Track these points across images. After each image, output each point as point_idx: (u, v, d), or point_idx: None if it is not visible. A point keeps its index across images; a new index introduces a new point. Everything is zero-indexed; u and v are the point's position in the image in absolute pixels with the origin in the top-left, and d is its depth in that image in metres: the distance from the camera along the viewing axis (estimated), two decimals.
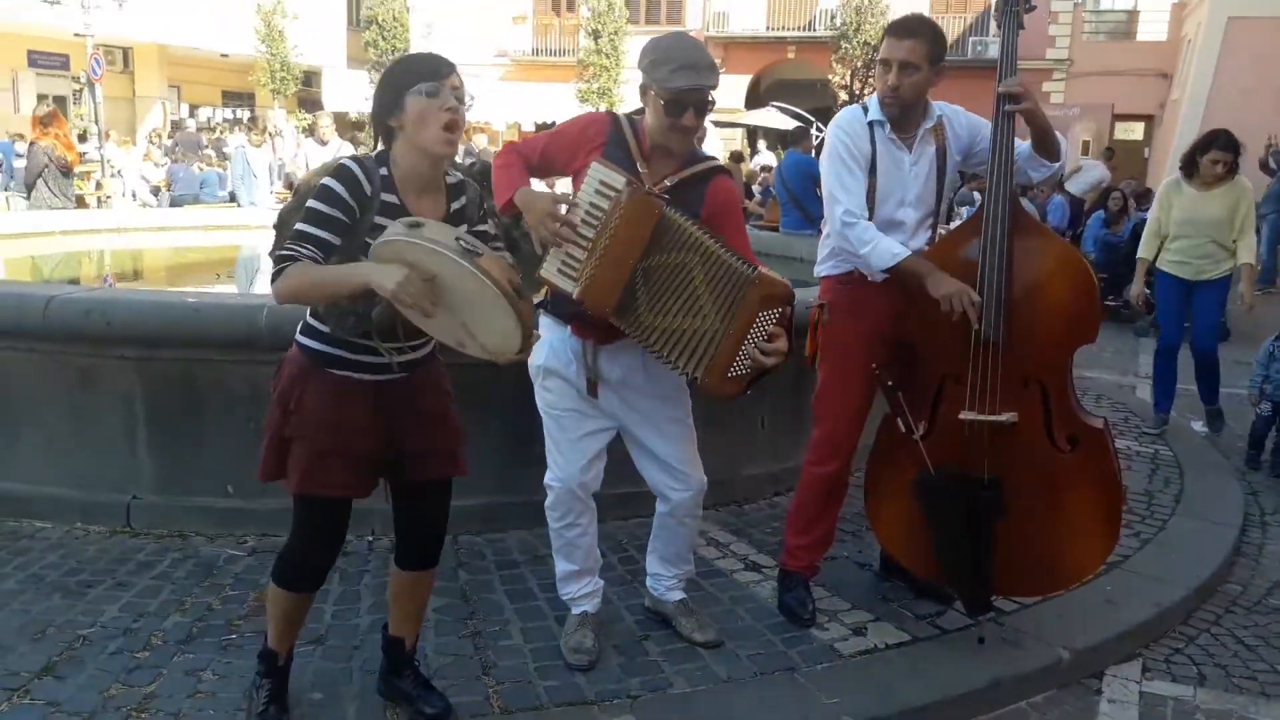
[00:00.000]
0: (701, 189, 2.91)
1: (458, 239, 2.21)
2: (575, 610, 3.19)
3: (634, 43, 26.12)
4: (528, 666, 3.05)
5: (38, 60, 26.09)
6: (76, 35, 19.59)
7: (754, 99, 27.59)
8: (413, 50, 26.92)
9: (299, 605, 2.67)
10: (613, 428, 3.07)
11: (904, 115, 3.14)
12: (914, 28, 3.10)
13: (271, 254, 2.33)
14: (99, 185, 16.44)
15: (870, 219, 3.14)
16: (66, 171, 8.28)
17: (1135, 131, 25.83)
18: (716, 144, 23.04)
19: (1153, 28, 26.45)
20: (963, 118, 3.27)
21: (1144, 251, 6.11)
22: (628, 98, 24.46)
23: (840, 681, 3.04)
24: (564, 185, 3.64)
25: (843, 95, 25.19)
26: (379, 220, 2.33)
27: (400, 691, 2.78)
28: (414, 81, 2.31)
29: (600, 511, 3.24)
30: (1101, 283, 10.79)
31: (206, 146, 19.70)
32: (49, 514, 3.90)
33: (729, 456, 4.49)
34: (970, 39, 25.41)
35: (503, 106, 25.03)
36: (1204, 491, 4.95)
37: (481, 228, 2.55)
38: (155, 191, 16.33)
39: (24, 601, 3.30)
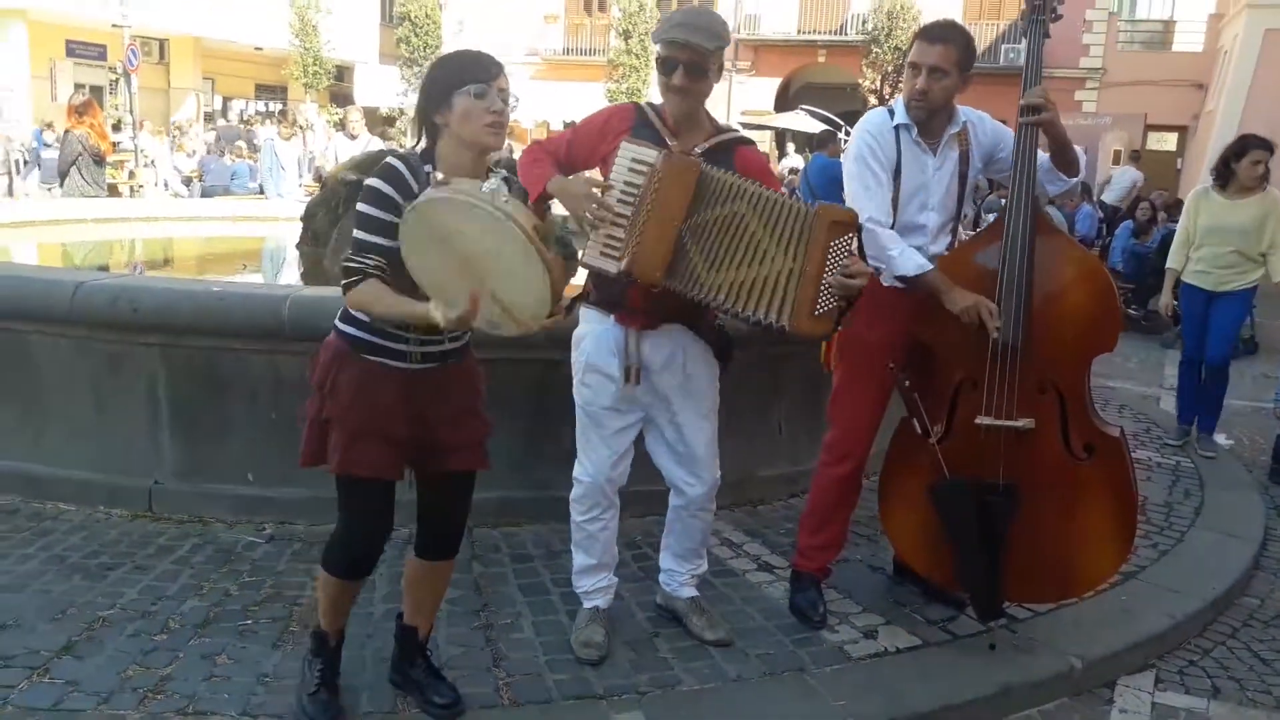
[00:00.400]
0: (728, 159, 2.92)
1: (483, 188, 2.25)
2: (587, 604, 3.21)
3: None
4: (538, 660, 3.07)
5: (75, 50, 26.46)
6: (114, 26, 19.86)
7: (783, 102, 27.57)
8: (445, 48, 27.17)
9: (345, 591, 2.70)
10: (641, 421, 3.09)
11: (930, 119, 3.15)
12: (945, 33, 3.11)
13: (344, 262, 2.39)
14: (132, 174, 16.66)
15: (894, 221, 3.15)
16: (100, 160, 8.38)
17: (1168, 142, 25.58)
18: None
19: (1189, 38, 26.16)
20: (987, 124, 3.27)
21: (1173, 262, 6.03)
22: (656, 99, 24.50)
23: (849, 684, 3.04)
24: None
25: (872, 100, 25.09)
26: None
27: (411, 680, 2.81)
28: (463, 81, 2.36)
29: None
30: (1128, 293, 10.78)
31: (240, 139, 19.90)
32: (73, 496, 3.97)
33: (746, 457, 4.49)
34: (1003, 46, 25.24)
35: (532, 105, 25.10)
36: (1225, 504, 4.91)
37: None
38: (187, 182, 16.53)
39: (45, 582, 3.36)
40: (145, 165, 17.63)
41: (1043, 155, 3.17)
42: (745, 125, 25.01)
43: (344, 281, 2.39)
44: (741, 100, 27.26)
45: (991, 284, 3.03)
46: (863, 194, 3.13)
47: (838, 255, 2.68)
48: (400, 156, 2.44)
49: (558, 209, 2.91)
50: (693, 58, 2.82)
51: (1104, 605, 3.67)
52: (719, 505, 3.99)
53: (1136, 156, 19.43)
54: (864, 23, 25.84)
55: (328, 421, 2.51)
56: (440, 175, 2.33)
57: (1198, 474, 5.39)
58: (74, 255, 7.77)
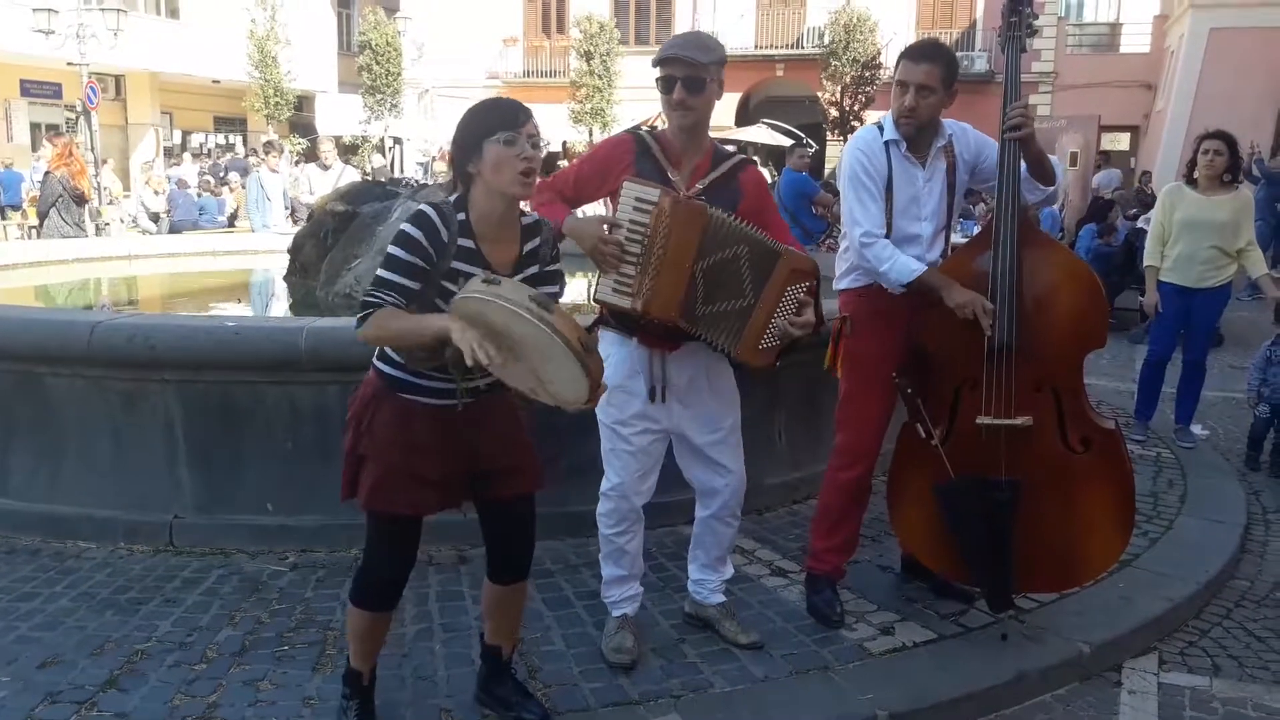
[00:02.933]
0: (735, 184, 3.06)
1: (531, 298, 2.32)
2: (615, 613, 3.31)
3: (625, 63, 26.37)
4: (572, 670, 3.17)
5: (30, 89, 26.19)
6: (69, 64, 19.69)
7: (744, 116, 27.83)
8: (405, 74, 27.14)
9: (376, 624, 2.75)
10: (667, 436, 3.20)
11: (918, 135, 3.30)
12: (931, 53, 3.27)
13: (362, 298, 2.44)
14: (98, 212, 16.56)
15: (888, 234, 3.29)
16: (80, 201, 8.39)
17: (1121, 142, 26.17)
18: None
19: (1136, 40, 26.83)
20: (970, 135, 3.43)
21: (1151, 259, 6.07)
22: (621, 117, 24.66)
23: (873, 678, 3.16)
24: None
25: (832, 111, 25.44)
26: (456, 265, 2.45)
27: (499, 698, 2.88)
28: (493, 130, 2.43)
29: None
30: None
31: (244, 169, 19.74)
32: (93, 535, 4.01)
33: (749, 467, 4.59)
34: (957, 53, 25.70)
35: None
36: (1207, 492, 5.10)
37: (553, 267, 2.68)
38: (155, 218, 16.45)
39: (79, 619, 3.41)
40: (109, 203, 17.54)
41: (1021, 166, 3.34)
42: None
43: (359, 315, 2.42)
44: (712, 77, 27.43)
45: (984, 288, 3.18)
46: (859, 209, 3.28)
47: (791, 298, 2.91)
48: (433, 205, 2.50)
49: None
50: (689, 72, 2.96)
51: (1104, 593, 3.82)
52: None
53: (1105, 158, 19.98)
54: (821, 35, 26.22)
55: (363, 457, 2.57)
56: (483, 274, 2.37)
57: (1179, 464, 5.58)
58: (56, 296, 7.77)
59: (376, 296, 2.40)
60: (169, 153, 27.23)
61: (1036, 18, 3.38)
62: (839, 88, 25.01)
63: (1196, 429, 6.32)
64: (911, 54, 3.30)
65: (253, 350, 3.82)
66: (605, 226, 2.89)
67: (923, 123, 3.27)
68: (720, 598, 3.41)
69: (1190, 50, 21.32)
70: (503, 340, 2.30)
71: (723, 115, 27.82)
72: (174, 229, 15.44)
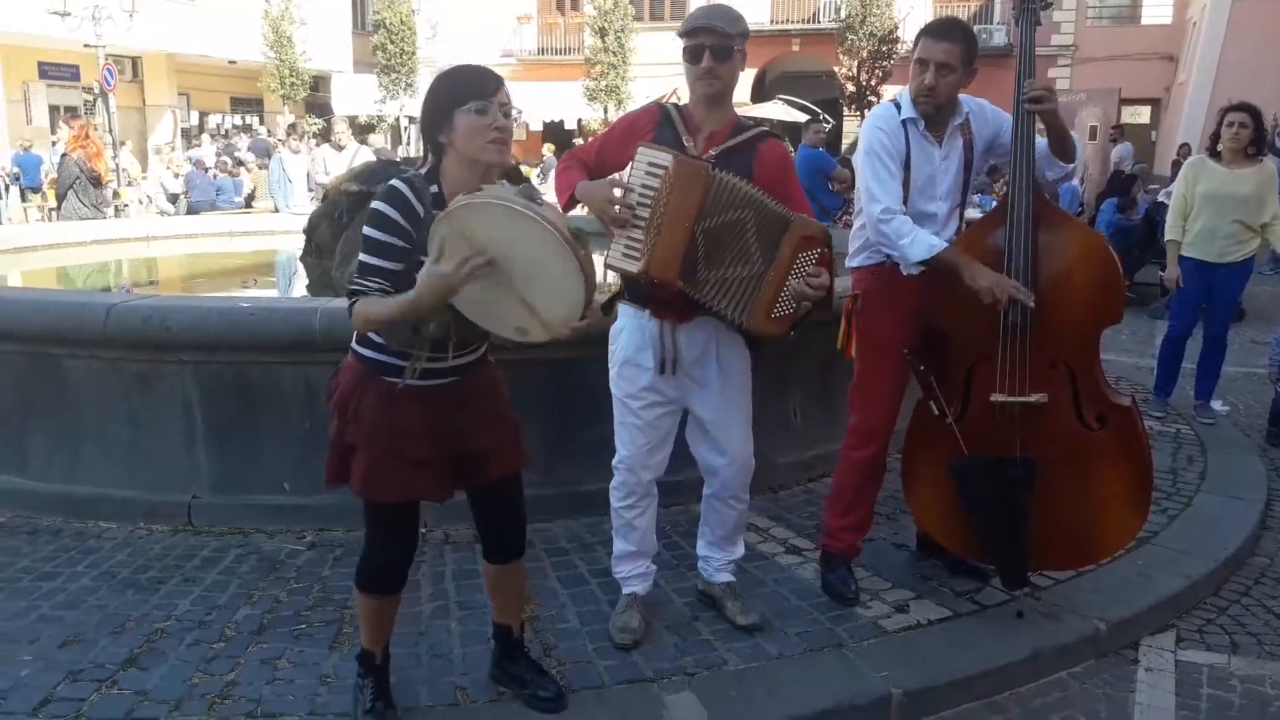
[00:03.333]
0: (749, 155, 3.03)
1: (518, 192, 2.27)
2: (625, 590, 3.33)
3: (640, 40, 26.24)
4: (586, 647, 3.18)
5: (48, 72, 26.29)
6: (87, 46, 19.74)
7: (759, 92, 27.67)
8: (420, 53, 27.11)
9: (384, 607, 2.76)
10: (680, 409, 3.20)
11: (936, 113, 3.26)
12: (950, 30, 3.24)
13: (348, 285, 2.42)
14: (116, 194, 16.65)
15: (904, 211, 3.26)
16: (97, 183, 8.43)
17: (1142, 115, 25.86)
18: None
19: (1157, 11, 26.45)
20: (987, 112, 3.39)
21: (1172, 233, 5.99)
22: (635, 94, 24.54)
23: (887, 656, 3.16)
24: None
25: (849, 86, 25.24)
26: None
27: (514, 676, 2.89)
28: (463, 99, 2.37)
29: None
30: None
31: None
32: (113, 515, 4.05)
33: (764, 445, 4.56)
34: (975, 26, 25.42)
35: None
36: (1227, 468, 5.06)
37: None
38: (173, 199, 16.52)
39: (100, 598, 3.44)
40: (128, 184, 17.63)
41: (1041, 142, 3.30)
42: None
43: (349, 303, 2.40)
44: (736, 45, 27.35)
45: (999, 265, 3.15)
46: (877, 186, 3.24)
47: (802, 266, 2.87)
48: (405, 179, 2.43)
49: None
50: (718, 41, 2.95)
51: (1121, 570, 3.80)
52: None
53: (1120, 133, 19.73)
54: (837, 10, 25.99)
55: (350, 444, 2.54)
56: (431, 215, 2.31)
57: (1199, 440, 5.54)
58: (75, 278, 7.82)
59: (361, 285, 2.37)
60: (186, 134, 27.33)
61: None
62: (856, 63, 24.79)
63: (1217, 405, 6.26)
64: (932, 31, 3.26)
65: (268, 331, 3.83)
66: (618, 190, 2.88)
67: (941, 102, 3.23)
68: (726, 577, 3.41)
69: (1213, 22, 21.02)
70: (487, 260, 2.25)
71: (739, 91, 27.68)
72: (191, 210, 15.50)
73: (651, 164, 2.86)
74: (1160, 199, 12.15)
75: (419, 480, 2.58)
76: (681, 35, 3.04)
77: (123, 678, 2.95)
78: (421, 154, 2.57)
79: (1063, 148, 3.29)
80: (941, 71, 3.18)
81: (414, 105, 27.49)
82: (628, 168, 3.13)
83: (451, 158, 2.45)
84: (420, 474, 2.56)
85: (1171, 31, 25.09)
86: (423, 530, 3.92)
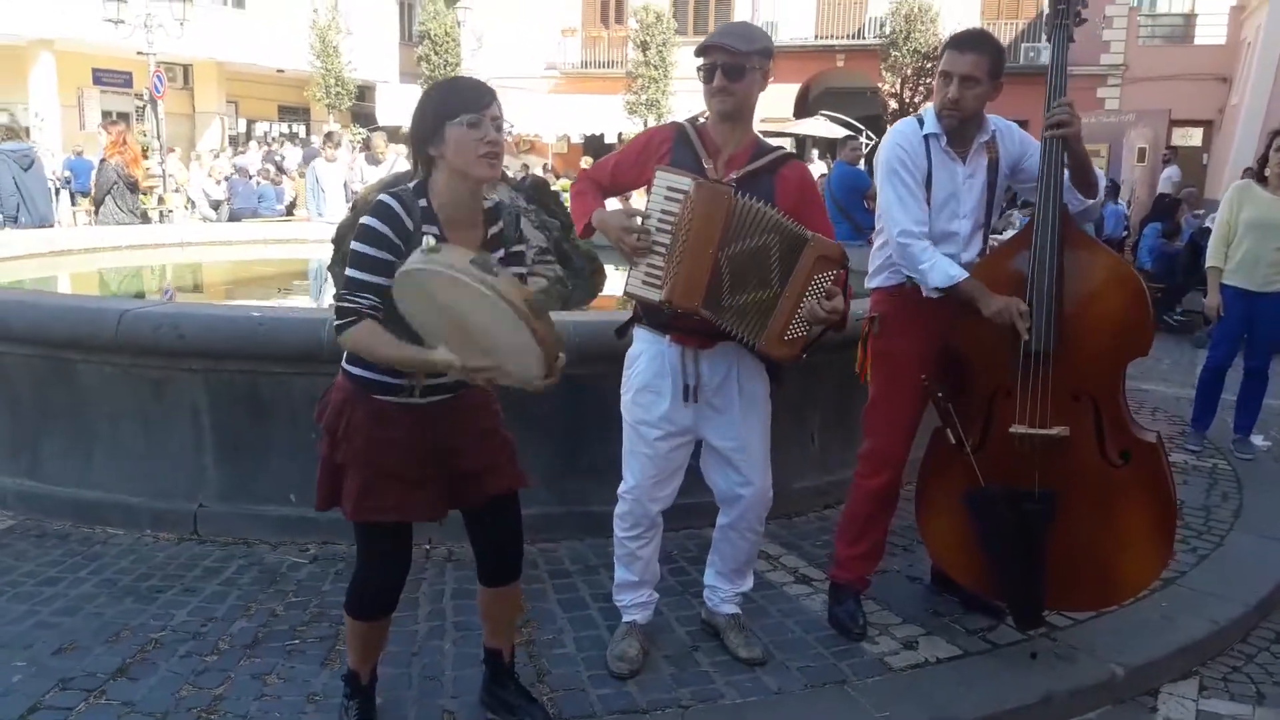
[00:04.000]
0: (770, 179, 2.95)
1: (472, 261, 2.21)
2: (625, 619, 3.25)
3: (682, 54, 26.24)
4: (581, 675, 3.11)
5: (102, 78, 26.88)
6: (139, 54, 20.14)
7: (802, 108, 27.57)
8: (464, 65, 27.34)
9: (373, 631, 2.70)
10: (693, 440, 3.11)
11: (960, 129, 3.17)
12: (977, 42, 3.14)
13: (337, 301, 2.38)
14: (161, 200, 16.91)
15: (927, 230, 3.16)
16: (134, 188, 8.54)
17: (1193, 137, 25.37)
18: None
19: (1211, 31, 25.99)
20: (1015, 133, 3.29)
21: (1214, 260, 5.80)
22: (676, 109, 24.54)
23: (890, 694, 3.05)
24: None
25: (892, 104, 25.04)
26: None
27: (502, 701, 2.83)
28: (455, 111, 2.33)
29: None
30: (1158, 294, 10.63)
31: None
32: (121, 521, 4.05)
33: (780, 470, 4.46)
34: (1023, 45, 25.15)
35: (552, 120, 25.26)
36: (1264, 506, 4.88)
37: (518, 248, 2.60)
38: (215, 205, 16.73)
39: (99, 605, 3.43)
40: (174, 190, 17.91)
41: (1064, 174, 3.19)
42: (765, 133, 25.02)
43: (337, 322, 2.35)
44: (761, 108, 27.19)
45: (1022, 290, 3.04)
46: (897, 205, 3.15)
47: (817, 287, 2.78)
48: (394, 193, 2.39)
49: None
50: (729, 59, 2.88)
51: (1144, 612, 3.66)
52: None
53: (1173, 153, 19.39)
54: (882, 26, 25.81)
55: (341, 465, 2.50)
56: (430, 240, 2.26)
57: (1235, 476, 5.36)
58: (110, 282, 7.92)
59: (352, 301, 2.32)
60: (234, 141, 27.75)
61: (1085, 5, 3.21)
62: (899, 79, 24.59)
63: (1257, 440, 6.07)
64: (957, 43, 3.16)
65: (276, 341, 3.81)
66: (636, 218, 2.82)
67: (967, 115, 3.13)
68: (731, 609, 3.32)
69: (1267, 42, 20.56)
70: (452, 322, 2.23)
71: (781, 107, 27.63)
72: (234, 216, 15.67)
73: (671, 188, 2.79)
74: (1207, 224, 11.89)
75: (412, 501, 2.53)
76: (696, 54, 2.98)
77: (112, 688, 2.93)
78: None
79: (1085, 180, 3.16)
80: (966, 84, 3.09)
81: None
82: (642, 190, 3.07)
83: (442, 171, 2.41)
84: (413, 494, 2.52)
85: (1225, 52, 24.61)
86: (426, 547, 3.92)
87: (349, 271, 2.35)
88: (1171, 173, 16.68)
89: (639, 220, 2.82)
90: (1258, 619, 3.83)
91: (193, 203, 16.97)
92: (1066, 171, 3.16)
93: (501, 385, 2.40)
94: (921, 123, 3.22)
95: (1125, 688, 3.27)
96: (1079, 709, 3.17)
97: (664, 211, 2.79)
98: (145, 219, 12.63)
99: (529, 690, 2.88)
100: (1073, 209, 3.25)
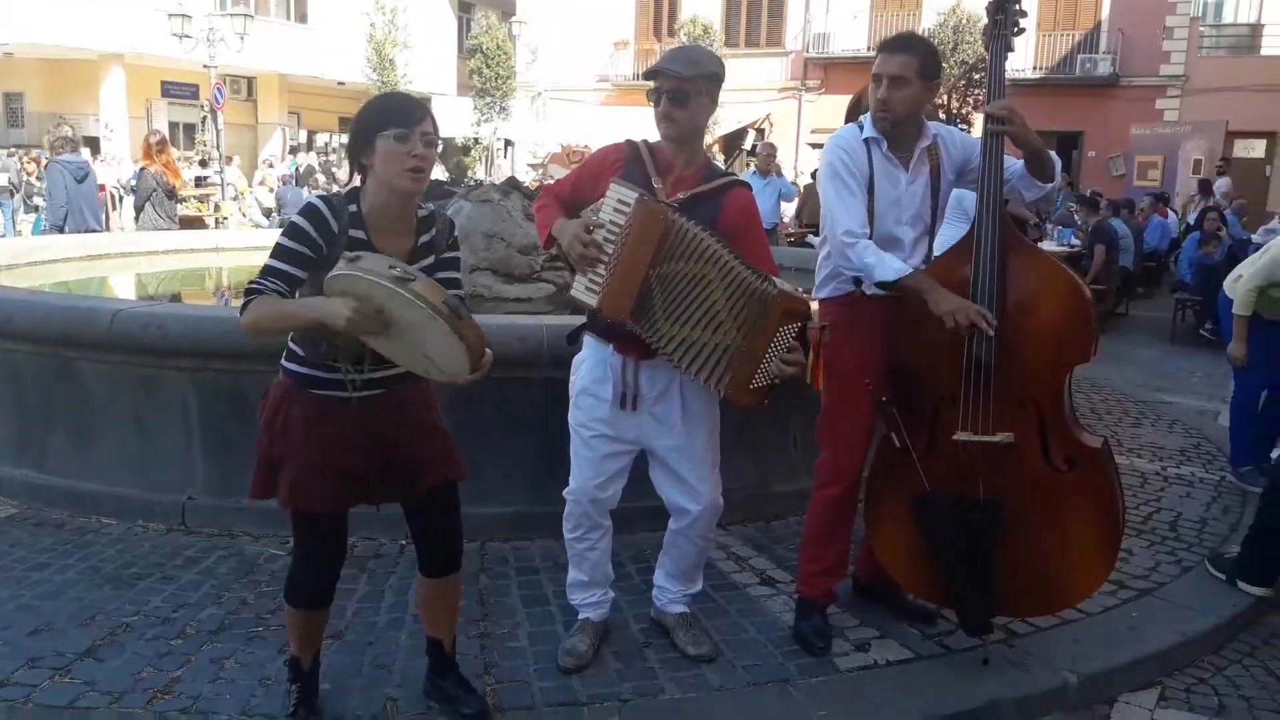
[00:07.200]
0: (717, 202, 3.01)
1: (391, 267, 2.30)
2: (580, 615, 3.31)
3: (732, 66, 26.27)
4: (528, 668, 3.17)
5: (170, 90, 27.83)
6: (205, 66, 20.81)
7: (853, 118, 27.35)
8: (518, 78, 27.68)
9: (311, 620, 2.79)
10: (635, 449, 3.17)
11: (898, 133, 3.19)
12: (906, 44, 3.17)
13: (247, 285, 2.46)
14: (217, 207, 17.42)
15: (870, 236, 3.18)
16: (172, 195, 8.85)
17: (1256, 149, 24.67)
18: (815, 163, 22.99)
19: (1278, 41, 25.27)
20: (956, 137, 3.30)
21: (1243, 309, 5.29)
22: (723, 119, 24.58)
23: (831, 694, 3.07)
24: None
25: (940, 115, 24.79)
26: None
27: (441, 691, 2.91)
28: (385, 125, 2.43)
29: (627, 523, 3.34)
30: (1198, 306, 10.33)
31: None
32: (115, 512, 4.22)
33: (759, 473, 4.54)
34: (1079, 56, 24.72)
35: (603, 131, 25.44)
36: None
37: (450, 254, 2.68)
38: (267, 214, 17.21)
39: (79, 590, 3.59)
40: (233, 198, 18.45)
41: (1016, 163, 3.19)
42: (815, 144, 24.97)
43: (241, 303, 2.42)
44: (812, 118, 27.23)
45: (964, 298, 3.04)
46: (839, 206, 3.17)
47: (781, 340, 2.85)
48: (323, 197, 2.52)
49: None
50: (674, 85, 2.95)
51: (1111, 622, 3.63)
52: (730, 520, 4.09)
53: (1225, 167, 18.93)
54: (931, 38, 25.61)
55: (279, 458, 2.59)
56: (349, 253, 2.36)
57: (1241, 491, 5.24)
58: (149, 285, 8.21)
59: (259, 283, 2.42)
60: (294, 151, 28.44)
61: (1024, 15, 3.21)
62: (947, 90, 24.33)
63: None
64: (885, 45, 3.20)
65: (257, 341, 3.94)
66: (584, 227, 2.89)
67: (898, 117, 3.15)
68: (680, 608, 3.36)
69: None
70: (381, 316, 2.31)
71: (832, 118, 27.52)
72: (283, 225, 16.13)
73: (620, 200, 2.87)
74: (1257, 237, 11.57)
75: (347, 490, 2.62)
76: (645, 77, 3.07)
77: (77, 667, 3.07)
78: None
79: (1040, 167, 3.17)
80: (895, 85, 3.11)
81: (507, 128, 28.11)
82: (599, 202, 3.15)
83: (372, 180, 2.52)
84: (349, 485, 2.61)
85: None
86: (401, 542, 4.02)
87: (268, 260, 2.46)
88: (1222, 184, 16.30)
89: (588, 231, 2.89)
90: (1233, 632, 3.77)
91: (244, 214, 17.46)
92: (1018, 164, 3.17)
93: (438, 382, 2.50)
94: (862, 127, 3.24)
95: (1079, 696, 3.24)
96: (1027, 715, 3.16)
97: (612, 223, 2.87)
98: (217, 224, 13.07)
99: (468, 681, 2.95)
100: (1031, 196, 3.27)
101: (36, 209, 14.73)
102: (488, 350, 2.45)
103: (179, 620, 3.39)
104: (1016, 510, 3.08)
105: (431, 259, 2.62)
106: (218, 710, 2.88)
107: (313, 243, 2.44)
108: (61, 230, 8.49)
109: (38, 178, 15.35)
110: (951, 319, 2.99)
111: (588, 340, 3.15)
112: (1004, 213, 3.04)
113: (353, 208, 2.51)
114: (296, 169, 21.59)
